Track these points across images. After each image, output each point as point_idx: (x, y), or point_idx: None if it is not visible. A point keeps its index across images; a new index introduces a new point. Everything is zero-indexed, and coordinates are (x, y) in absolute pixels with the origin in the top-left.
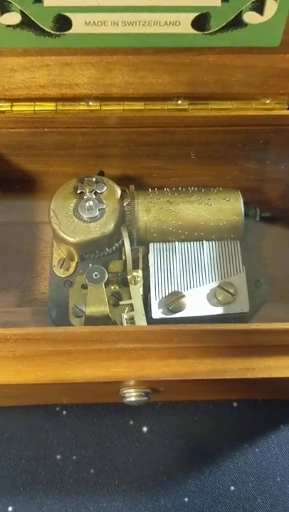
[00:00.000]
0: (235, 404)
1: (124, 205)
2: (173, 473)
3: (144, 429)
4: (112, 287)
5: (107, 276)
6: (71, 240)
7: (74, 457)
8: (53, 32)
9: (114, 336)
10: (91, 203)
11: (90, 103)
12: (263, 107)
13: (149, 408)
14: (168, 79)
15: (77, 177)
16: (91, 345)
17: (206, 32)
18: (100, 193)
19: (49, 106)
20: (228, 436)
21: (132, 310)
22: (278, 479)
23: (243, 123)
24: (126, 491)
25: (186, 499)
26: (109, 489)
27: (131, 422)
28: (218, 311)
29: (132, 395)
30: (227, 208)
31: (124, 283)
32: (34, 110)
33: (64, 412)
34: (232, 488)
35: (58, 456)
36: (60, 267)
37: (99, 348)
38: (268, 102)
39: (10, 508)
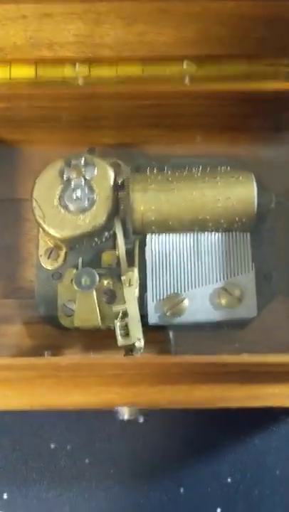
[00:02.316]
0: None
1: (119, 182)
2: (169, 464)
3: (140, 419)
4: (106, 282)
5: (98, 280)
6: (57, 235)
7: (68, 446)
8: None
9: (105, 368)
10: (79, 192)
11: (77, 66)
12: (287, 70)
13: None
14: (172, 35)
15: (63, 157)
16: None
17: None
18: (90, 178)
19: (27, 70)
20: (227, 427)
21: (127, 315)
22: (277, 472)
23: (260, 98)
24: (121, 480)
25: (182, 489)
26: (104, 478)
27: None
28: (221, 316)
29: (124, 413)
30: (237, 186)
31: (119, 277)
32: (10, 77)
33: None
34: (229, 479)
35: (52, 446)
36: (48, 258)
37: (87, 373)
38: None
39: (5, 496)
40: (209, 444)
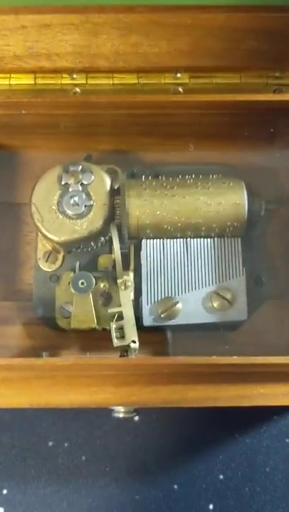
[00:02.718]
0: None
1: (116, 188)
2: (163, 461)
3: (136, 417)
4: (102, 285)
5: (94, 284)
6: (55, 239)
7: (66, 444)
8: None
9: (101, 369)
10: (76, 198)
11: (75, 75)
12: (276, 82)
13: None
14: (166, 47)
15: (61, 164)
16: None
17: None
18: (87, 184)
19: (27, 79)
20: (220, 426)
21: (122, 318)
22: (267, 469)
23: (252, 107)
24: (117, 477)
25: (176, 486)
26: (101, 475)
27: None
28: (213, 318)
29: (120, 412)
30: (228, 192)
31: (115, 280)
32: (10, 84)
33: None
34: (221, 476)
35: (50, 443)
36: (46, 261)
37: (84, 373)
38: (283, 75)
39: (4, 491)
40: (202, 442)
